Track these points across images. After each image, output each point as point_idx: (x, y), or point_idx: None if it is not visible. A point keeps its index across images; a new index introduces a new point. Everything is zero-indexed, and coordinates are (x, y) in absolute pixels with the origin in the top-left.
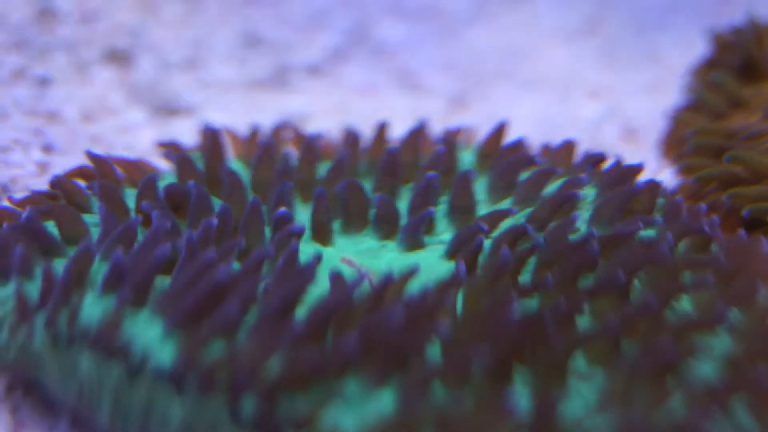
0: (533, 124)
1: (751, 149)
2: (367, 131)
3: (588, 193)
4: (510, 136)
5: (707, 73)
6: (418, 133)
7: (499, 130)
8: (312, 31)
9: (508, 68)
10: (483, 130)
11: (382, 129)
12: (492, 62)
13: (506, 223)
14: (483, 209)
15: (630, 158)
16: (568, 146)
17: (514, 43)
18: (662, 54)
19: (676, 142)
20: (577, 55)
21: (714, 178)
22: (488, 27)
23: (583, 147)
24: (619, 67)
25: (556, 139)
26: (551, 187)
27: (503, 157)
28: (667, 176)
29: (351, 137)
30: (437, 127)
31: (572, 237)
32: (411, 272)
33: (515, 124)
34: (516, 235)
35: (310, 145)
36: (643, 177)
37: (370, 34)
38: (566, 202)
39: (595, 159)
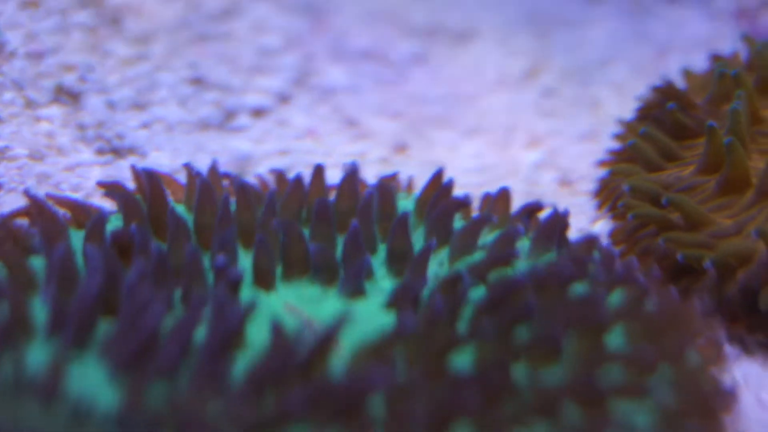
0: (474, 171)
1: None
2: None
3: (523, 245)
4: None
5: (639, 125)
6: (351, 178)
7: (437, 177)
8: (258, 73)
9: (450, 114)
10: (425, 177)
11: (318, 172)
12: (434, 108)
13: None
14: None
15: (567, 206)
16: (504, 194)
17: (456, 89)
18: (601, 102)
19: (612, 191)
20: (518, 102)
21: (651, 219)
22: (431, 73)
23: (522, 195)
24: (559, 115)
25: (496, 186)
26: (488, 238)
27: (435, 204)
28: (603, 225)
29: (282, 180)
30: (382, 172)
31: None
32: (341, 321)
33: (456, 172)
34: (453, 284)
35: (245, 190)
36: (579, 225)
37: (315, 77)
38: (505, 260)
39: (531, 209)
